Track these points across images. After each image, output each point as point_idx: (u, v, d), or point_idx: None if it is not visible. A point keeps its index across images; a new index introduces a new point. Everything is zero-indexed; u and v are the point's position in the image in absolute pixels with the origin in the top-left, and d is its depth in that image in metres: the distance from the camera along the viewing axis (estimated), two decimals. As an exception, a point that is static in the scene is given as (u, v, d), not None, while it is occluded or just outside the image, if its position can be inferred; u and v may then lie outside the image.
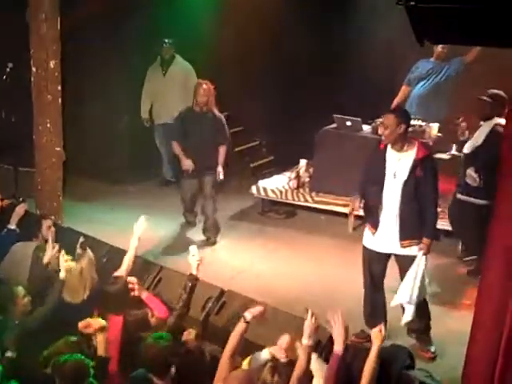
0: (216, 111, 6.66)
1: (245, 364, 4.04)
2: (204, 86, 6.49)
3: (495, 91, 5.77)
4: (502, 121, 5.57)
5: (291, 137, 8.15)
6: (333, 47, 7.99)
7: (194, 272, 4.60)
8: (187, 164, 6.60)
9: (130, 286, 4.81)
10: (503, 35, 2.49)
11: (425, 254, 4.69)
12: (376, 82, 7.70)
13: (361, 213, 7.05)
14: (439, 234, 5.12)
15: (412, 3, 2.14)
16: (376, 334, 3.87)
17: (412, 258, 4.71)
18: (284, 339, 4.02)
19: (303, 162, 7.73)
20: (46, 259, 5.04)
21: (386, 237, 4.81)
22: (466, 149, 5.92)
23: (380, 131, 4.81)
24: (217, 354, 4.33)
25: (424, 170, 4.65)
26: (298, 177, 7.53)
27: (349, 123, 7.26)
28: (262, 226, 7.27)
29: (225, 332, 4.48)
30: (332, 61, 8.05)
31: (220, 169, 6.63)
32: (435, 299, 5.37)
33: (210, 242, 6.75)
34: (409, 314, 4.74)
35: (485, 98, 5.76)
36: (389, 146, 4.79)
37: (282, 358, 3.92)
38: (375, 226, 4.85)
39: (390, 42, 7.63)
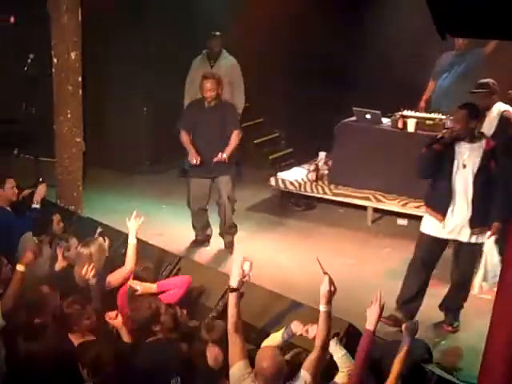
0: (225, 100, 6.44)
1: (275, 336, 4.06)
2: (209, 81, 6.14)
3: (485, 80, 5.94)
4: (504, 106, 5.88)
5: (310, 129, 8.14)
6: (352, 41, 7.95)
7: (235, 285, 3.93)
8: (195, 156, 6.22)
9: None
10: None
11: (492, 235, 4.91)
12: (395, 76, 7.65)
13: (380, 206, 7.13)
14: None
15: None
16: (408, 327, 3.82)
17: (476, 246, 4.98)
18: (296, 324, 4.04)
19: (322, 155, 7.72)
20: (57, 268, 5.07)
21: (454, 224, 5.02)
22: None
23: (450, 125, 5.10)
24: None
25: (493, 160, 4.94)
26: (316, 169, 7.52)
27: (368, 116, 7.23)
28: (281, 218, 7.27)
29: (246, 325, 4.50)
30: (352, 54, 8.01)
31: (227, 151, 6.18)
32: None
33: (227, 245, 6.52)
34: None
35: (478, 90, 5.88)
36: None
37: (302, 331, 3.97)
38: (444, 213, 5.03)
39: (410, 36, 7.57)
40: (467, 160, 4.97)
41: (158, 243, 5.64)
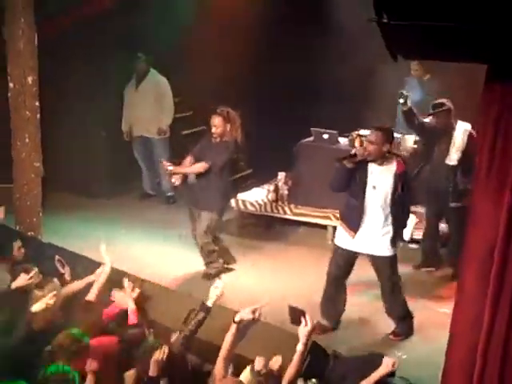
0: (229, 138, 6.13)
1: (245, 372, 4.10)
2: (216, 118, 6.05)
3: (440, 100, 6.23)
4: (466, 124, 6.13)
5: (269, 150, 8.21)
6: (311, 63, 8.08)
7: (210, 304, 4.47)
8: (181, 179, 6.25)
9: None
10: (476, 51, 2.58)
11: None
12: (352, 96, 7.81)
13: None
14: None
15: (385, 20, 2.21)
16: (388, 364, 3.96)
17: (385, 258, 5.27)
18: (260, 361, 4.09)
19: (282, 175, 7.78)
20: (13, 286, 4.97)
21: (363, 239, 5.24)
22: (453, 160, 6.18)
23: (365, 146, 5.21)
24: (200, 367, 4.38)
25: (402, 183, 5.11)
26: (276, 189, 7.59)
27: (326, 136, 7.35)
28: (242, 239, 7.30)
29: (209, 345, 4.52)
30: (309, 74, 8.13)
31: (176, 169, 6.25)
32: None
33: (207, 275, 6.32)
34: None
35: (437, 110, 6.14)
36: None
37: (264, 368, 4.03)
38: (355, 230, 5.24)
39: (367, 56, 7.73)
40: (377, 182, 5.13)
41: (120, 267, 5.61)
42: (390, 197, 5.12)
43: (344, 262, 5.39)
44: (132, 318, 4.82)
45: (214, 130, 6.06)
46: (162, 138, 8.09)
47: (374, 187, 5.14)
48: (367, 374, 4.00)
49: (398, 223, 5.26)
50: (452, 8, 2.21)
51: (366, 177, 5.14)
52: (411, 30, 2.26)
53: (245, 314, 4.20)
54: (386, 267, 5.30)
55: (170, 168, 6.26)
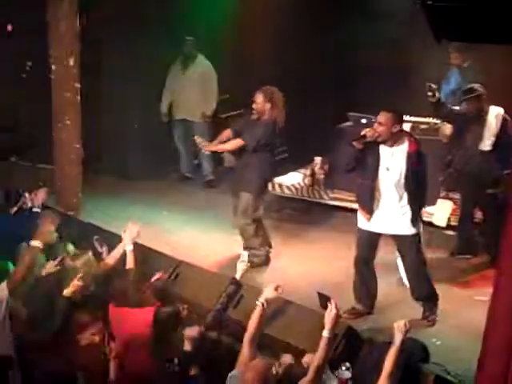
0: (269, 118, 6.06)
1: None
2: (258, 95, 6.03)
3: (471, 85, 6.13)
4: (498, 108, 6.02)
5: (306, 134, 8.20)
6: (350, 45, 8.02)
7: (238, 277, 4.67)
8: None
9: None
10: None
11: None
12: (392, 81, 7.74)
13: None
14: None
15: (429, 2, 2.20)
16: (400, 327, 3.88)
17: (407, 237, 5.26)
18: None
19: (318, 160, 7.77)
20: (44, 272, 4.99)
21: (383, 220, 5.27)
22: (486, 146, 6.06)
23: (374, 127, 5.17)
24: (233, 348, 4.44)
25: (416, 162, 5.10)
26: (313, 174, 7.58)
27: (364, 121, 7.29)
28: (279, 223, 7.32)
29: (241, 326, 4.57)
30: (349, 60, 8.07)
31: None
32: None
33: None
34: None
35: (468, 95, 6.05)
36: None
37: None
38: (369, 212, 5.29)
39: (409, 42, 7.67)
40: (390, 163, 5.14)
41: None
42: (404, 177, 5.11)
43: (366, 244, 5.40)
44: (129, 262, 4.92)
45: (254, 105, 6.04)
46: (204, 121, 8.11)
47: (388, 169, 5.15)
48: (401, 360, 3.99)
49: (416, 202, 5.21)
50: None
51: (378, 159, 5.15)
52: (456, 12, 2.25)
53: (269, 293, 4.21)
54: (408, 246, 5.30)
55: (203, 144, 6.26)
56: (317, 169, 7.67)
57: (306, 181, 7.60)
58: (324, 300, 4.11)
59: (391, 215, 5.24)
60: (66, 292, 4.55)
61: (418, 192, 5.22)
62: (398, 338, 3.86)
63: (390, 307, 5.53)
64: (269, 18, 8.14)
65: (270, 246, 6.44)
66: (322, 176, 7.61)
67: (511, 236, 3.27)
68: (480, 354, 3.51)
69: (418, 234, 5.30)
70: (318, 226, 7.24)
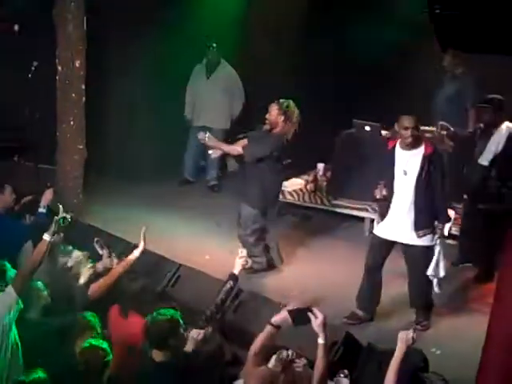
0: (280, 132, 5.97)
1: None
2: (272, 108, 5.95)
3: (491, 96, 6.02)
4: (509, 124, 5.92)
5: (309, 140, 8.19)
6: (354, 52, 8.04)
7: (236, 272, 4.72)
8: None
9: None
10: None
11: (439, 237, 5.17)
12: (394, 88, 7.75)
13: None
14: (449, 219, 5.53)
15: (437, 10, 2.20)
16: (405, 339, 3.83)
17: (422, 248, 5.18)
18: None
19: (321, 166, 7.78)
20: (70, 263, 5.14)
21: (395, 227, 5.24)
22: (484, 160, 6.00)
23: (399, 131, 5.16)
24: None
25: (433, 165, 5.07)
26: (315, 180, 7.59)
27: (368, 128, 7.30)
28: (279, 228, 7.31)
29: (241, 331, 4.57)
30: (354, 66, 8.08)
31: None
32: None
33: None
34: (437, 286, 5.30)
35: (485, 105, 5.99)
36: (397, 146, 5.20)
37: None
38: (383, 216, 5.33)
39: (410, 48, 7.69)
40: (408, 167, 5.14)
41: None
42: (420, 181, 5.09)
43: (377, 251, 5.39)
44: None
45: (267, 116, 5.98)
46: (221, 129, 8.00)
47: (405, 172, 5.14)
48: (403, 368, 3.96)
49: (426, 211, 5.14)
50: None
51: (394, 163, 5.17)
52: (463, 21, 2.25)
53: (282, 318, 4.09)
54: (416, 258, 5.24)
55: (207, 139, 6.15)
56: (319, 175, 7.68)
57: (309, 187, 7.60)
58: (302, 314, 3.80)
59: (403, 222, 5.19)
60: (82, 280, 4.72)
61: (434, 198, 5.14)
62: (401, 350, 3.80)
63: (390, 314, 5.53)
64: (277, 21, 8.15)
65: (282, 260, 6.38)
66: (325, 183, 7.61)
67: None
68: (479, 363, 3.51)
69: (430, 248, 5.18)
70: (318, 232, 7.23)
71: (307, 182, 7.68)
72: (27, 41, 7.64)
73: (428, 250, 5.19)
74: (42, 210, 5.73)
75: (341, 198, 7.35)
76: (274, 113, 5.93)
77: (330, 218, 7.46)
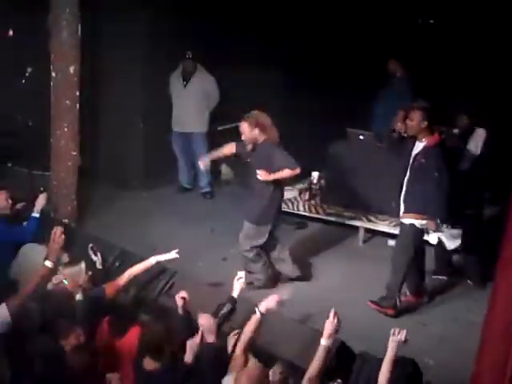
0: (263, 141, 5.81)
1: None
2: (241, 125, 5.78)
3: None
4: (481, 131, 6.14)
5: (303, 149, 8.19)
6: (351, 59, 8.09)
7: (235, 295, 4.65)
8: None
9: None
10: None
11: (433, 230, 5.59)
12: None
13: (372, 226, 7.17)
14: (445, 215, 5.60)
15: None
16: (395, 334, 3.81)
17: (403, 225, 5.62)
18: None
19: (315, 174, 7.77)
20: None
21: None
22: (464, 166, 6.15)
23: (406, 121, 5.50)
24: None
25: (426, 157, 5.36)
26: (309, 188, 7.58)
27: (362, 137, 7.32)
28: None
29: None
30: (348, 73, 8.12)
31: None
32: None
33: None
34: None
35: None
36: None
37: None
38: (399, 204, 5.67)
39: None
40: (413, 153, 5.46)
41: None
42: (412, 168, 5.44)
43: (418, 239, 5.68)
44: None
45: (243, 137, 5.81)
46: (201, 132, 8.10)
47: (411, 158, 5.48)
48: (395, 377, 3.95)
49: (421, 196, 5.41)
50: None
51: (411, 153, 5.47)
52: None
53: (271, 304, 4.17)
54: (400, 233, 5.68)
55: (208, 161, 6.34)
56: (314, 183, 7.67)
57: (303, 195, 7.59)
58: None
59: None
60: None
61: (416, 190, 5.44)
62: (392, 349, 3.77)
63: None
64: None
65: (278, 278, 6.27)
66: (319, 191, 7.60)
67: (507, 256, 3.26)
68: (472, 373, 3.50)
69: (413, 225, 5.50)
70: (312, 241, 7.22)
71: (301, 190, 7.67)
72: (21, 46, 7.64)
73: (413, 229, 5.53)
74: (35, 214, 5.73)
75: (335, 207, 7.35)
76: (246, 130, 5.74)
77: (325, 227, 7.44)
